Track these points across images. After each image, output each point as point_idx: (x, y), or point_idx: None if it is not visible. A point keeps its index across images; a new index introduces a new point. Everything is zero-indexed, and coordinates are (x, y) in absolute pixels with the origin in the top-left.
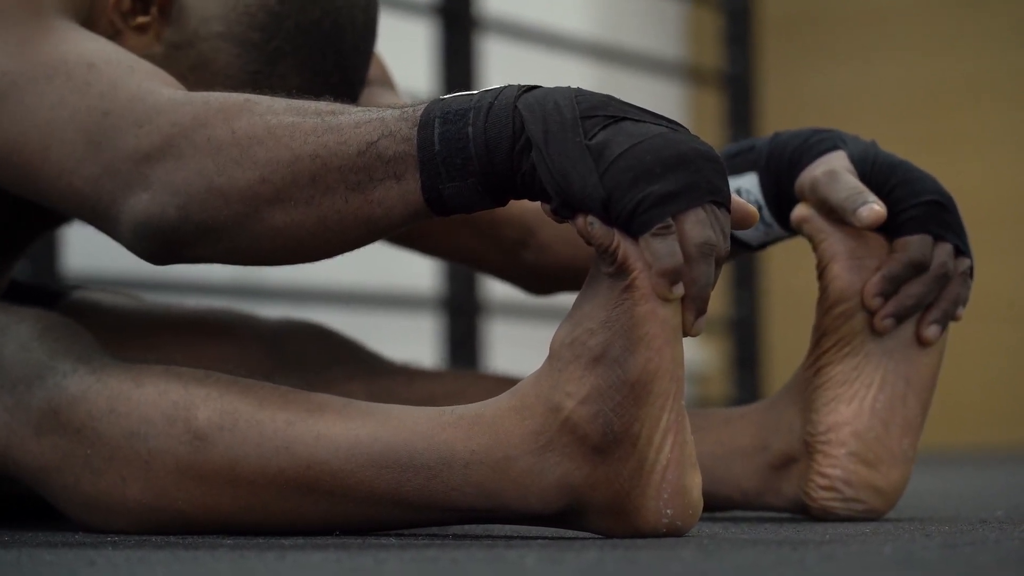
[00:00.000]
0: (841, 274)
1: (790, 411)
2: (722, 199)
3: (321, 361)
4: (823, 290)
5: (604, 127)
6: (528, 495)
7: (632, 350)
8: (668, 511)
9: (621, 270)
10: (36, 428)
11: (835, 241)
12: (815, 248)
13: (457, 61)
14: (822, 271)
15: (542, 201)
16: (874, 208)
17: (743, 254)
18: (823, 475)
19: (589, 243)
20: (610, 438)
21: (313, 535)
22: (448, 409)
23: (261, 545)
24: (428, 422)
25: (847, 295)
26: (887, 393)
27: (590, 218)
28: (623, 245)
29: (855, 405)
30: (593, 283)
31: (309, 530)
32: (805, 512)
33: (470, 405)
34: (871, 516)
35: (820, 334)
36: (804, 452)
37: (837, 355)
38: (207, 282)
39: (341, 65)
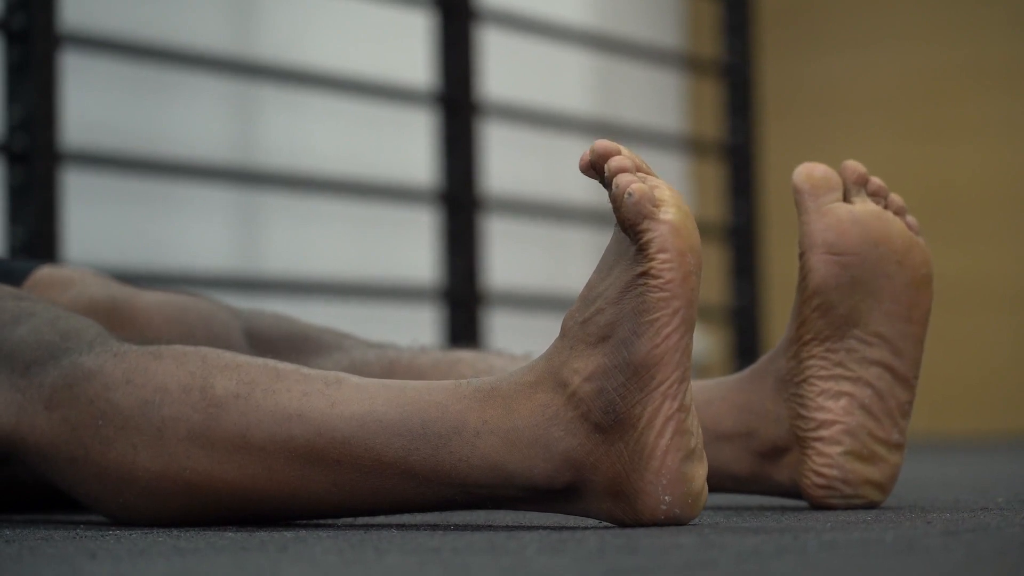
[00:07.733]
0: (817, 267)
1: (773, 399)
2: None
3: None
4: (802, 276)
5: None
6: (532, 468)
7: (640, 333)
8: (666, 497)
9: (642, 251)
10: (47, 403)
11: (816, 231)
12: (799, 225)
13: (455, 52)
14: (801, 254)
15: None
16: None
17: None
18: (820, 475)
19: (616, 212)
20: (612, 417)
21: (315, 507)
22: (465, 382)
23: (263, 538)
24: (445, 393)
25: (822, 289)
26: (873, 388)
27: (632, 187)
28: (652, 230)
29: (843, 402)
30: (609, 263)
31: (312, 502)
32: (799, 497)
33: (487, 378)
34: (870, 506)
35: (799, 322)
36: (795, 444)
37: (818, 349)
38: (206, 275)
39: None
